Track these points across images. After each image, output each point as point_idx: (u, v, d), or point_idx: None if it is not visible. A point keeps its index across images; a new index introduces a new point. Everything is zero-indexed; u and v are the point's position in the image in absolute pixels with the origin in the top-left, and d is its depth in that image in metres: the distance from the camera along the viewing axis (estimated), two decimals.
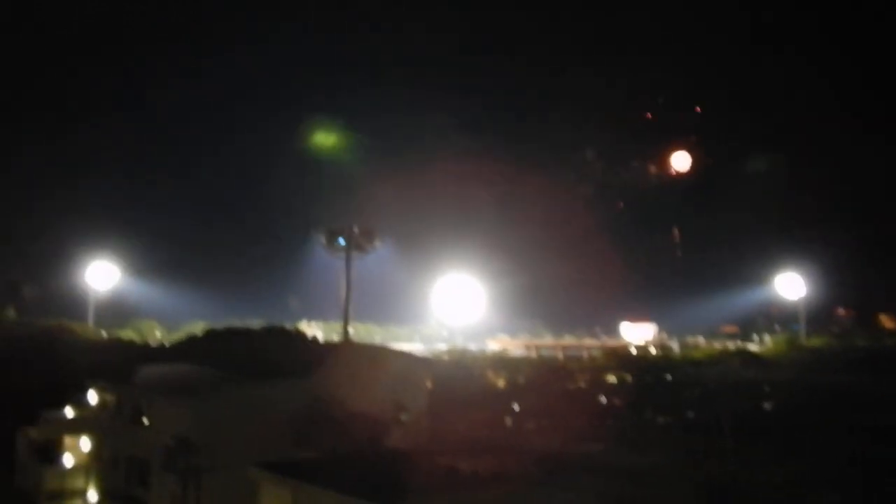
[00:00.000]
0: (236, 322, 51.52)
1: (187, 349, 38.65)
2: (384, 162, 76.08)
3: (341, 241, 56.56)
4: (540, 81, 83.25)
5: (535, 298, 72.52)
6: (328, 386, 25.51)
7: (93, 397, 32.04)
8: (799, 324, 71.35)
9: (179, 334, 55.09)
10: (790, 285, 72.25)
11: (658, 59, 76.16)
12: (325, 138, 75.20)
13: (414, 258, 70.36)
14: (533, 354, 60.92)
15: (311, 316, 70.16)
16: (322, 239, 57.87)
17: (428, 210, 71.37)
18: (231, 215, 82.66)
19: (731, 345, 64.97)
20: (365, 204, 67.42)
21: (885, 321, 72.51)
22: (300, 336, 45.35)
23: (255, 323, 49.80)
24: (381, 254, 61.89)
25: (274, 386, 26.22)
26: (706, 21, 76.71)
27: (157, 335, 63.88)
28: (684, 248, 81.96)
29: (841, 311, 76.72)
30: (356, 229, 57.25)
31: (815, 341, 64.12)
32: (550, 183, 76.96)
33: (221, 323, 49.96)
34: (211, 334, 42.30)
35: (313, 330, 64.17)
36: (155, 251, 71.10)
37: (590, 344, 67.61)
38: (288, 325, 51.70)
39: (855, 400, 32.77)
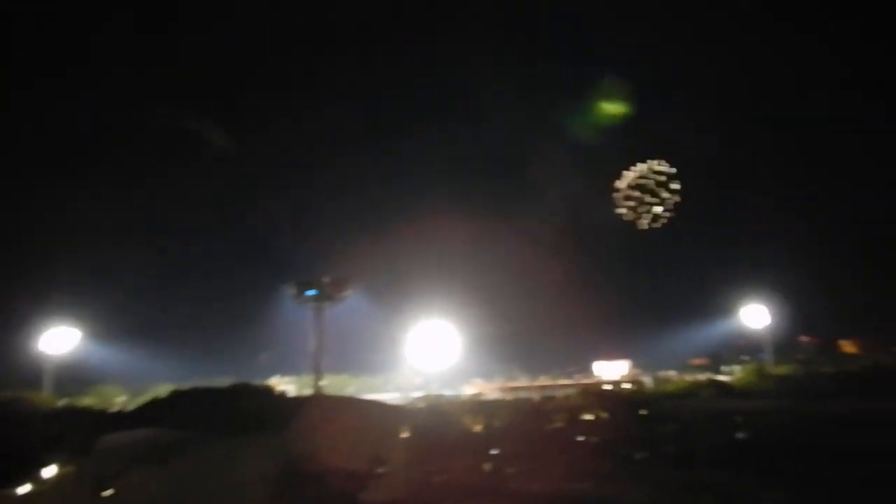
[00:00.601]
0: (203, 382, 50.36)
1: (152, 413, 37.47)
2: (355, 210, 76.16)
3: (311, 292, 56.08)
4: (511, 126, 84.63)
5: (509, 341, 72.57)
6: (301, 441, 24.92)
7: (50, 471, 30.80)
8: (765, 353, 72.54)
9: (144, 398, 53.67)
10: (755, 316, 73.64)
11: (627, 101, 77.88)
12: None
13: (386, 306, 70.04)
14: (509, 397, 60.56)
15: (283, 370, 69.09)
16: (291, 291, 57.33)
17: (399, 257, 71.36)
18: (194, 272, 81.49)
19: (702, 377, 65.62)
20: (335, 253, 67.17)
21: (846, 347, 74.22)
22: (270, 392, 44.45)
23: (223, 381, 48.72)
24: (352, 303, 61.45)
25: (244, 445, 25.51)
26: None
27: (120, 400, 62.14)
28: (653, 284, 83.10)
29: (804, 338, 78.34)
30: (327, 279, 56.90)
31: (782, 369, 65.09)
32: (521, 226, 77.82)
33: (188, 383, 48.78)
34: (176, 395, 41.19)
35: (284, 385, 63.17)
36: (116, 313, 69.47)
37: (565, 383, 67.59)
38: (257, 382, 50.71)
39: (823, 424, 33.06)
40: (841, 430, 31.37)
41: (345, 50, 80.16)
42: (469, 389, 65.97)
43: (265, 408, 33.13)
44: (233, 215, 78.54)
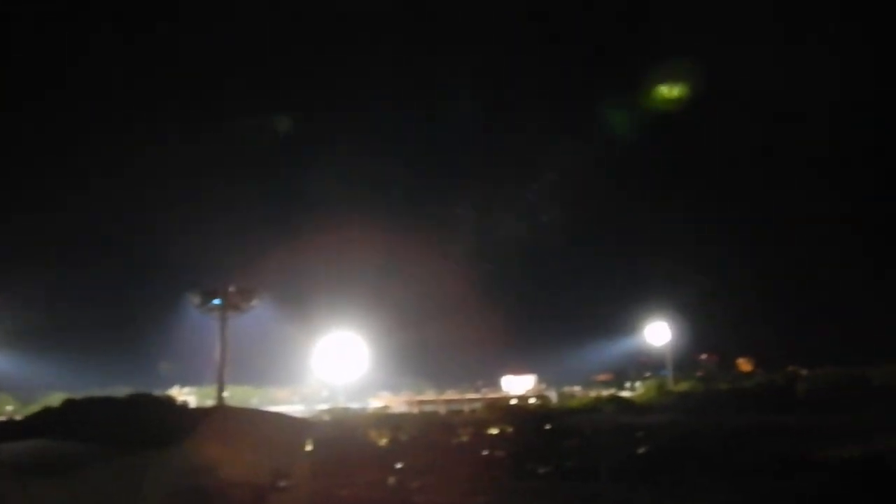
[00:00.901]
0: (100, 392, 48.19)
1: (44, 423, 35.50)
2: (263, 219, 74.79)
3: (216, 302, 54.47)
4: (417, 140, 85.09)
5: (418, 355, 72.63)
6: (200, 454, 24.21)
7: None
8: (666, 369, 75.21)
9: (35, 408, 50.83)
10: (658, 333, 76.25)
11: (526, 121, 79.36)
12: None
13: (294, 317, 68.86)
14: (415, 410, 60.60)
15: (184, 381, 67.10)
16: (195, 299, 55.45)
17: (308, 267, 70.35)
18: (92, 278, 77.88)
19: (605, 392, 67.46)
20: (242, 261, 65.64)
21: (743, 364, 77.95)
22: (170, 403, 42.97)
23: (122, 391, 46.73)
24: (259, 313, 59.94)
25: (140, 458, 24.54)
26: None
27: (9, 409, 58.86)
28: (562, 301, 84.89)
29: (704, 356, 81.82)
30: (232, 288, 55.38)
31: (682, 386, 67.68)
32: (432, 240, 78.17)
33: (83, 393, 46.49)
34: (70, 405, 39.20)
35: (185, 396, 61.34)
36: (5, 319, 65.52)
37: (472, 397, 68.14)
38: (157, 392, 48.93)
39: (720, 438, 34.51)
40: (736, 444, 32.86)
41: (242, 52, 78.51)
42: (376, 402, 65.68)
43: (165, 420, 32.02)
44: (137, 220, 75.44)
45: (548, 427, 43.51)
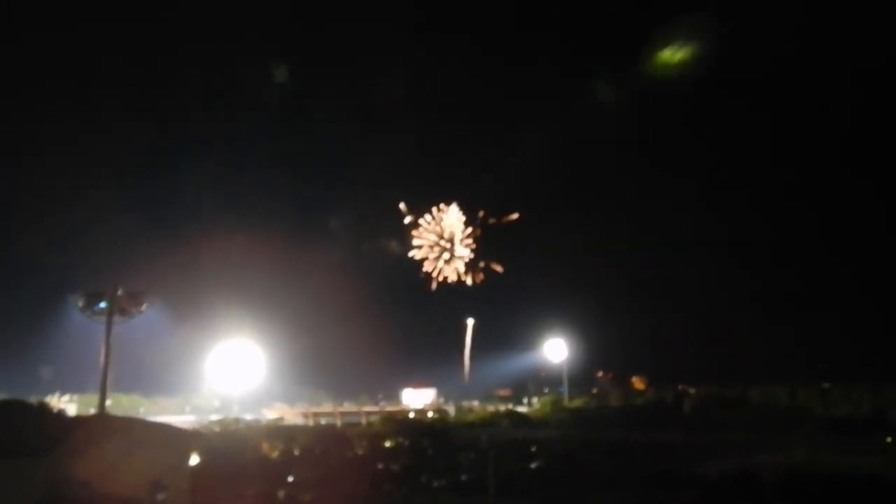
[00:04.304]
0: None
1: None
2: (154, 221, 72.22)
3: (102, 305, 51.64)
4: (321, 151, 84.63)
5: (316, 366, 71.33)
6: (73, 464, 22.77)
7: None
8: (563, 386, 76.62)
9: None
10: (556, 350, 77.60)
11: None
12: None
13: (187, 323, 66.27)
14: (311, 423, 59.39)
15: (66, 388, 63.53)
16: (79, 302, 52.36)
17: (203, 273, 68.17)
18: None
19: (503, 407, 68.05)
20: (131, 264, 62.78)
21: (636, 382, 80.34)
22: (45, 410, 40.40)
23: None
24: (149, 318, 57.13)
25: (7, 467, 22.90)
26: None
27: None
28: (464, 316, 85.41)
29: (600, 373, 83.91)
30: (120, 292, 52.62)
31: (576, 402, 69.04)
32: (331, 252, 77.50)
33: None
34: None
35: (66, 403, 58.10)
36: None
37: (369, 410, 67.33)
38: (33, 399, 45.95)
39: (610, 452, 35.36)
40: (622, 460, 33.71)
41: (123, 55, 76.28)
42: (270, 414, 63.89)
43: (37, 428, 30.04)
44: (17, 218, 71.47)
45: (444, 441, 43.46)
